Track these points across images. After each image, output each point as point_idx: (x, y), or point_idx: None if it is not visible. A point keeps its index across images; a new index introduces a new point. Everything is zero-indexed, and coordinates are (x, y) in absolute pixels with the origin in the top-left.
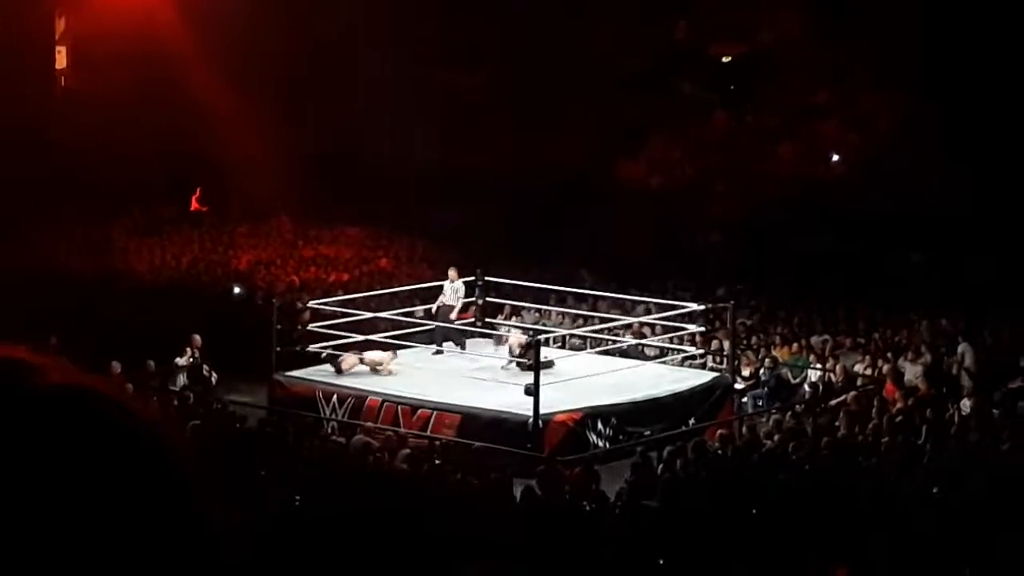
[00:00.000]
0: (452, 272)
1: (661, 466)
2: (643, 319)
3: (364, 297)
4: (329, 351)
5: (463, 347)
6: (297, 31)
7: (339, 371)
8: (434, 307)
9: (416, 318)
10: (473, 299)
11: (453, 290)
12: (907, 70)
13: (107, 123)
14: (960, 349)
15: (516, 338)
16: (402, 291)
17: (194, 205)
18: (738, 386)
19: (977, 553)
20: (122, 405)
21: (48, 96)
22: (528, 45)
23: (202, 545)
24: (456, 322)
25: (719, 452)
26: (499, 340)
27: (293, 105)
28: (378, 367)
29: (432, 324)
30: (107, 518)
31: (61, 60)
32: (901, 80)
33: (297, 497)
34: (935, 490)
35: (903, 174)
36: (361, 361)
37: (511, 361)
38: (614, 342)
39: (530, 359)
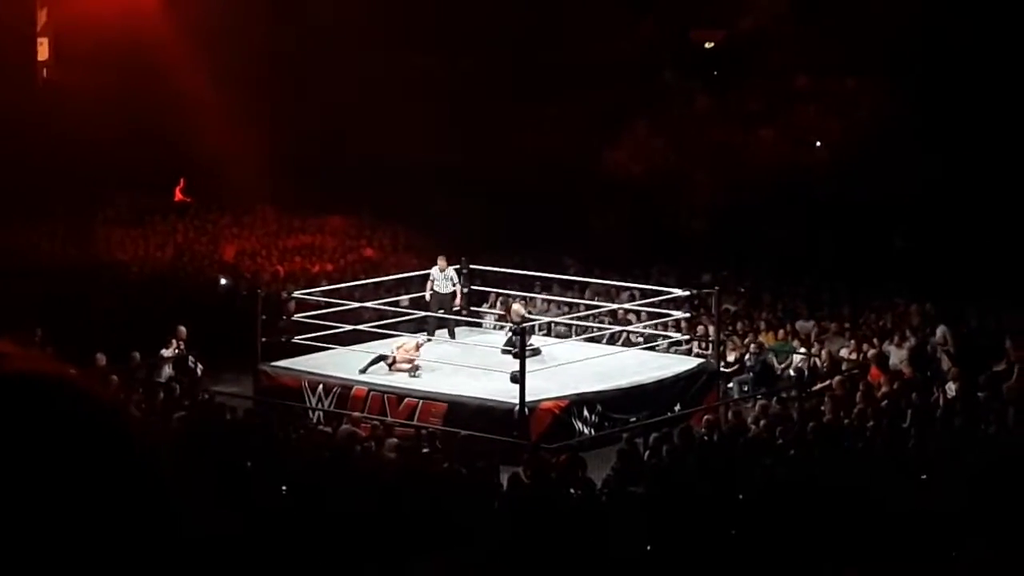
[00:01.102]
0: (441, 260)
1: (647, 452)
2: (628, 306)
3: (349, 287)
4: (379, 353)
5: (453, 335)
6: (281, 20)
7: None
8: (427, 295)
9: (402, 307)
10: (458, 287)
11: (446, 278)
12: (887, 54)
13: (89, 115)
14: (939, 331)
15: (518, 306)
16: (387, 280)
17: (178, 196)
18: (723, 371)
19: (964, 536)
20: (83, 391)
21: (30, 88)
22: (509, 33)
23: (166, 527)
24: (456, 310)
25: (705, 438)
26: (497, 321)
27: (276, 94)
28: (411, 360)
29: (421, 313)
30: (63, 501)
31: (43, 52)
32: (881, 65)
33: (283, 487)
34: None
35: (884, 158)
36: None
37: (510, 332)
38: (599, 329)
39: (522, 337)
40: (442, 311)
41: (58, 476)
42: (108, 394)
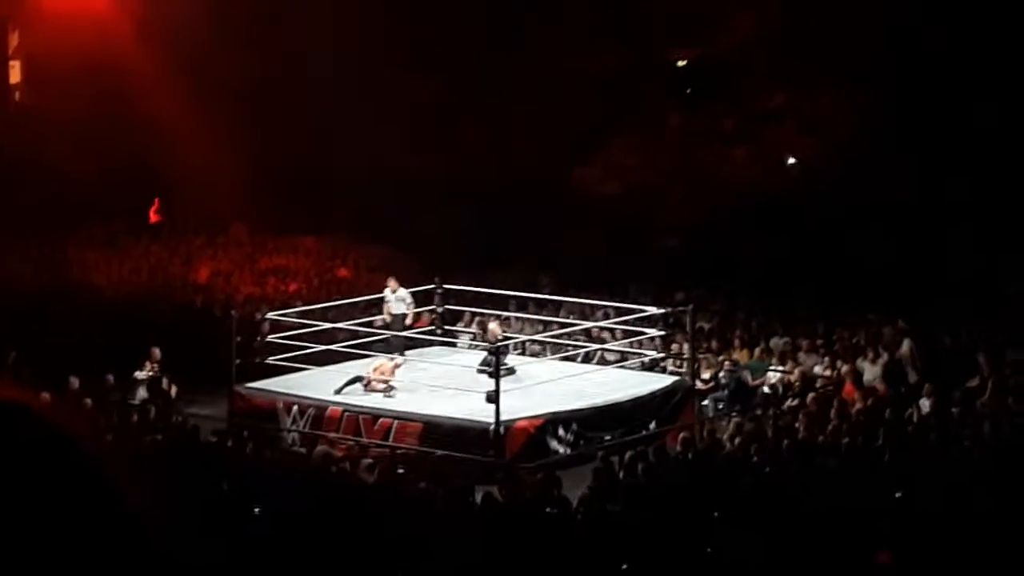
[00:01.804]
0: (392, 282)
1: (623, 471)
2: (602, 324)
3: (323, 307)
4: (355, 375)
5: (402, 355)
6: (254, 40)
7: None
8: (386, 318)
9: (376, 328)
10: (432, 307)
11: (399, 299)
12: (861, 71)
13: (62, 137)
14: (904, 345)
15: (495, 325)
16: (360, 301)
17: (152, 217)
18: (698, 388)
19: (937, 553)
20: (45, 419)
21: (2, 111)
22: (480, 50)
23: (128, 553)
24: (410, 330)
25: (680, 456)
26: (475, 338)
27: (250, 116)
28: (386, 381)
29: (391, 333)
30: (23, 526)
31: (15, 75)
32: (855, 81)
33: (256, 508)
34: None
35: (858, 175)
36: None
37: (489, 350)
38: (574, 347)
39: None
40: (398, 332)
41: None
42: (75, 422)
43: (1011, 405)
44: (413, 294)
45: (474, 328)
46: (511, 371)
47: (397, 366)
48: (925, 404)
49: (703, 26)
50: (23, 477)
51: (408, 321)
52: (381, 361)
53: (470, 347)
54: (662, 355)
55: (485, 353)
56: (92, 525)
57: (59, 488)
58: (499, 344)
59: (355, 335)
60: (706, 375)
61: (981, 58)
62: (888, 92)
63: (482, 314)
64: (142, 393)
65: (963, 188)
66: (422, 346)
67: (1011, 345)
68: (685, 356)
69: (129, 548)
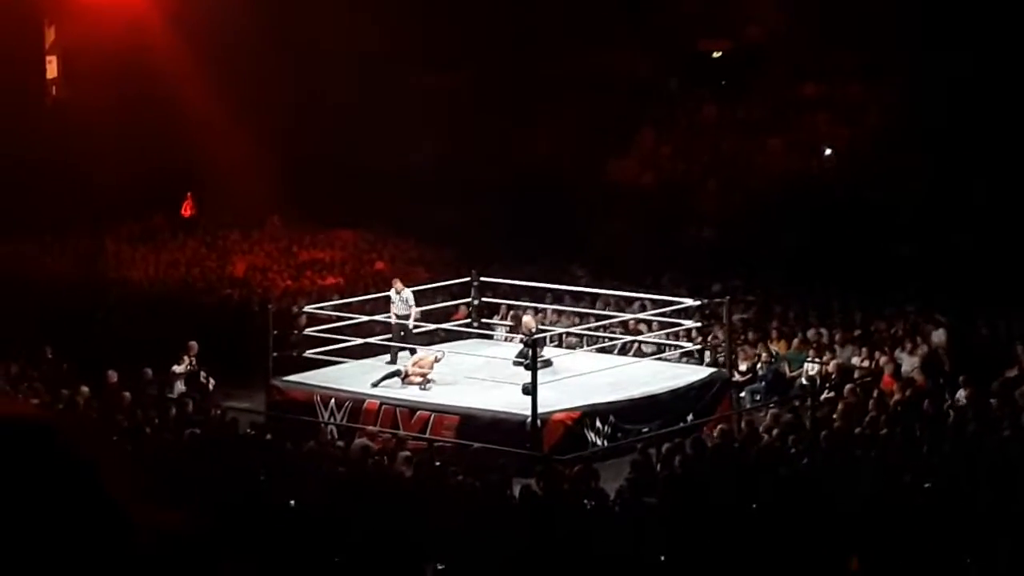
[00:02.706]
0: (397, 283)
1: (660, 463)
2: (639, 316)
3: (360, 300)
4: (395, 368)
5: (395, 359)
6: (286, 36)
7: (405, 380)
8: (392, 319)
9: (413, 320)
10: (468, 299)
11: (403, 300)
12: (895, 59)
13: (98, 132)
14: (936, 335)
15: (529, 318)
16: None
17: (185, 211)
18: (736, 380)
19: (979, 543)
20: (53, 438)
21: (39, 107)
22: (511, 43)
23: (123, 551)
24: (413, 331)
25: (718, 448)
26: (511, 331)
27: (284, 110)
28: (422, 373)
29: (432, 326)
30: (27, 548)
31: (52, 70)
32: (889, 70)
33: (292, 501)
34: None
35: (893, 164)
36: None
37: (524, 343)
38: (610, 339)
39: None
40: (402, 333)
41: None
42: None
43: None
44: (448, 287)
45: (509, 321)
46: (547, 363)
47: (437, 360)
48: (963, 395)
49: (734, 17)
50: (38, 502)
51: (410, 323)
52: (422, 354)
53: (506, 339)
54: (699, 347)
55: (521, 346)
56: (103, 554)
57: (71, 513)
58: (534, 336)
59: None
60: (743, 367)
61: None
62: (921, 81)
63: (517, 307)
64: (180, 387)
65: (995, 175)
66: (458, 338)
67: None
68: (722, 347)
69: (114, 552)
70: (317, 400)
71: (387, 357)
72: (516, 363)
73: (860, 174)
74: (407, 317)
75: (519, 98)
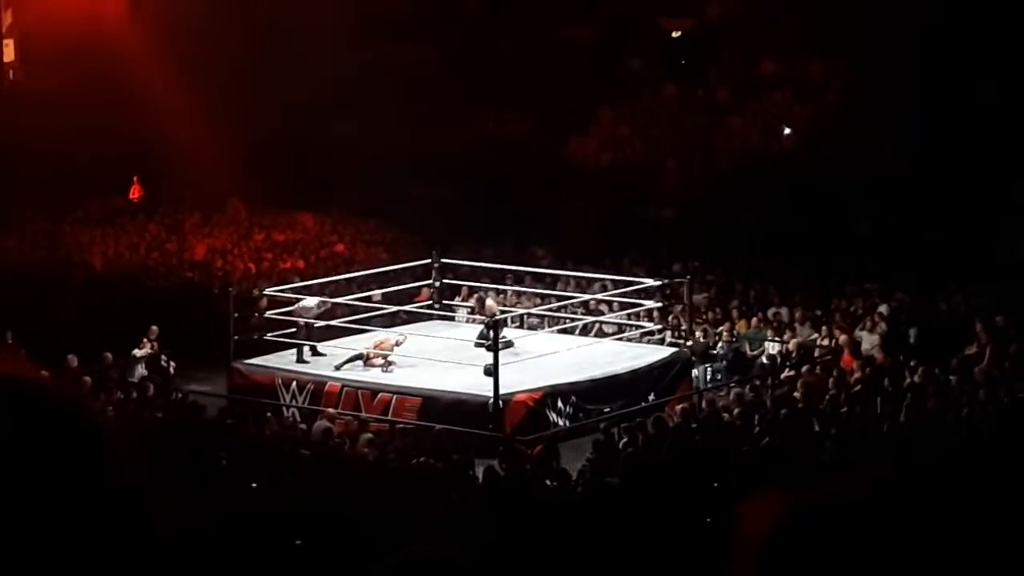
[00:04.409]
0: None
1: (622, 443)
2: (600, 296)
3: (320, 283)
4: (355, 352)
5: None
6: (246, 16)
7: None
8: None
9: (373, 303)
10: (430, 281)
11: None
12: (855, 37)
13: (57, 115)
14: (881, 308)
15: (492, 301)
16: (358, 276)
17: (133, 195)
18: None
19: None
20: (50, 392)
21: None
22: (469, 20)
23: (135, 525)
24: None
25: (679, 427)
26: (473, 312)
27: (243, 92)
28: (384, 356)
29: (393, 308)
30: (32, 499)
31: (8, 53)
32: (849, 48)
33: (255, 484)
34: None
35: (852, 144)
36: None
37: (486, 326)
38: (572, 320)
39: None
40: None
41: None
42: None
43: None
44: (411, 268)
45: (472, 303)
46: (509, 344)
47: (398, 343)
48: (921, 373)
49: None
50: (23, 448)
51: (318, 324)
52: (383, 337)
53: (468, 321)
54: (660, 326)
55: (482, 327)
56: (91, 497)
57: (59, 460)
58: (496, 318)
59: (353, 310)
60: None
61: (979, 29)
62: (880, 59)
63: (479, 289)
64: (141, 371)
65: (958, 155)
66: (420, 320)
67: (1002, 311)
68: (683, 327)
69: (128, 521)
70: (279, 383)
71: (349, 339)
72: (478, 344)
73: (819, 152)
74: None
75: (478, 78)
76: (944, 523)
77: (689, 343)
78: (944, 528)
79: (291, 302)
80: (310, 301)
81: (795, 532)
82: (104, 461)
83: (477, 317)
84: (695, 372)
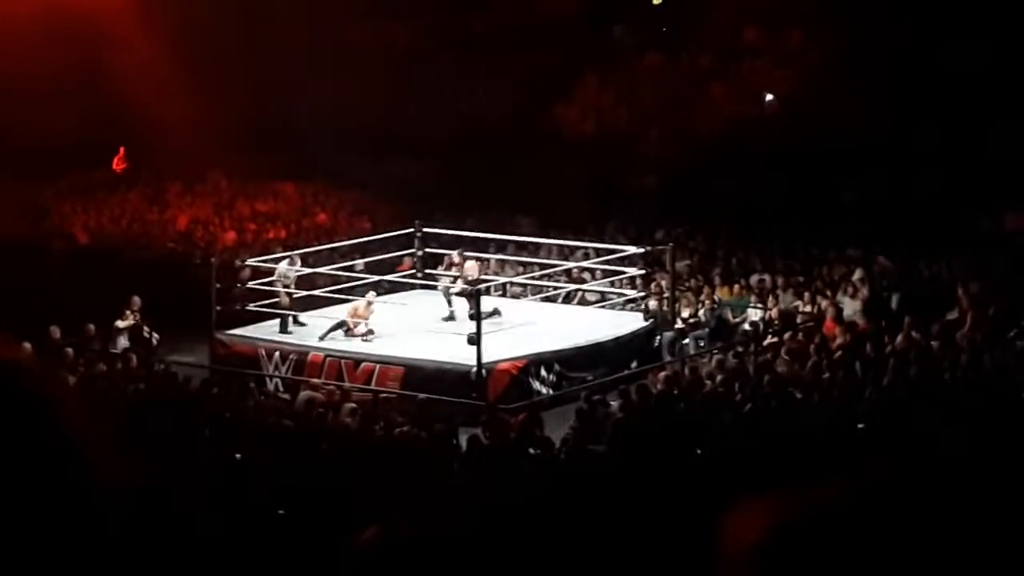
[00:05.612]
0: (295, 257)
1: (605, 410)
2: (583, 264)
3: (303, 253)
4: (339, 320)
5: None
6: None
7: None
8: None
9: (357, 272)
10: (412, 250)
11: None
12: (836, 4)
13: (36, 88)
14: (857, 272)
15: (472, 265)
16: (341, 246)
17: (117, 165)
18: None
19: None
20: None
21: None
22: None
23: (65, 487)
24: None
25: (662, 394)
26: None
27: (224, 63)
28: (362, 321)
29: (375, 277)
30: None
31: None
32: (830, 15)
33: (238, 455)
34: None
35: (833, 110)
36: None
37: (464, 290)
38: (554, 288)
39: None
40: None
41: None
42: (17, 362)
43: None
44: (395, 238)
45: (453, 271)
46: (496, 312)
47: (370, 303)
48: (902, 338)
49: None
50: None
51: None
52: (354, 303)
53: (450, 291)
54: (643, 294)
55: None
56: (27, 461)
57: (25, 454)
58: (476, 285)
59: (336, 280)
60: (686, 313)
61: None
62: (862, 26)
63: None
64: (123, 342)
65: (935, 125)
66: (403, 290)
67: (974, 279)
68: (666, 295)
69: (71, 488)
70: (262, 353)
71: (331, 309)
72: (457, 294)
73: (802, 119)
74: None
75: (460, 46)
76: (929, 531)
77: (649, 311)
78: (930, 536)
79: (273, 272)
80: (282, 267)
81: (782, 543)
82: (44, 426)
83: (453, 274)
84: (685, 340)
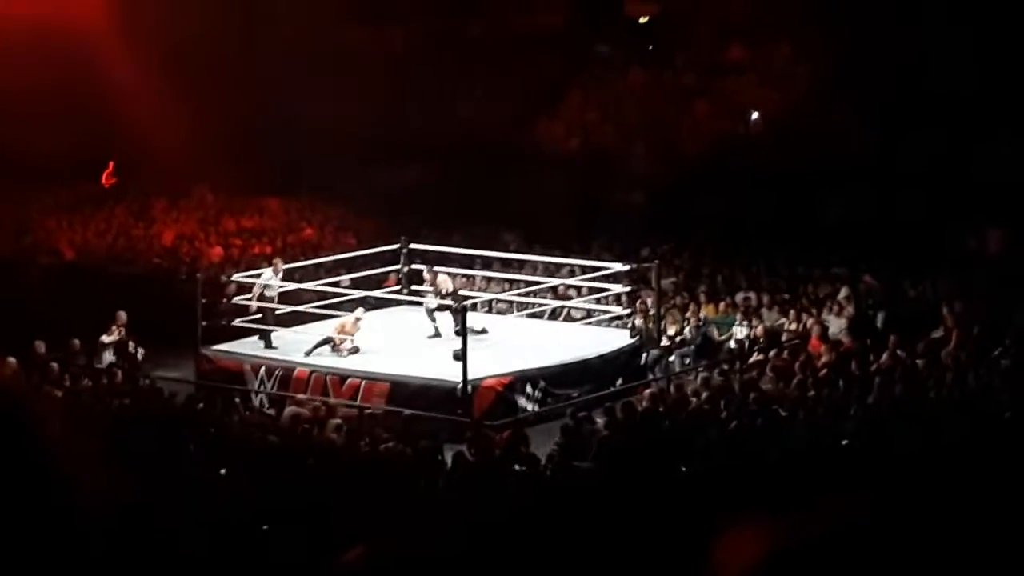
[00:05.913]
0: (278, 262)
1: (591, 427)
2: (568, 281)
3: (289, 268)
4: (326, 336)
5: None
6: (210, 2)
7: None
8: (254, 300)
9: (342, 287)
10: (398, 267)
11: (277, 280)
12: (820, 22)
13: (21, 104)
14: (843, 291)
15: (444, 279)
16: (326, 262)
17: (106, 180)
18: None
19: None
20: None
21: None
22: (445, 5)
23: (65, 515)
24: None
25: (648, 412)
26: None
27: (209, 77)
28: (349, 338)
29: (362, 293)
30: None
31: None
32: (815, 33)
33: (223, 470)
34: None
35: (818, 128)
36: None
37: (439, 306)
38: (540, 305)
39: (456, 304)
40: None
41: None
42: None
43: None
44: (379, 254)
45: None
46: (484, 331)
47: (358, 319)
48: (887, 357)
49: None
50: None
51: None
52: (343, 319)
53: (434, 306)
54: (628, 311)
55: (439, 301)
56: (10, 476)
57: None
58: (458, 299)
59: (321, 296)
60: (672, 331)
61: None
62: (847, 44)
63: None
64: (108, 357)
65: (921, 145)
66: (388, 306)
67: (959, 298)
68: (651, 312)
69: (54, 503)
70: (247, 369)
71: (316, 325)
72: (437, 309)
73: (787, 137)
74: (273, 299)
75: (447, 62)
76: (919, 554)
77: (635, 329)
78: (919, 559)
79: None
80: (265, 275)
81: (776, 570)
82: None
83: (429, 289)
84: (671, 358)
